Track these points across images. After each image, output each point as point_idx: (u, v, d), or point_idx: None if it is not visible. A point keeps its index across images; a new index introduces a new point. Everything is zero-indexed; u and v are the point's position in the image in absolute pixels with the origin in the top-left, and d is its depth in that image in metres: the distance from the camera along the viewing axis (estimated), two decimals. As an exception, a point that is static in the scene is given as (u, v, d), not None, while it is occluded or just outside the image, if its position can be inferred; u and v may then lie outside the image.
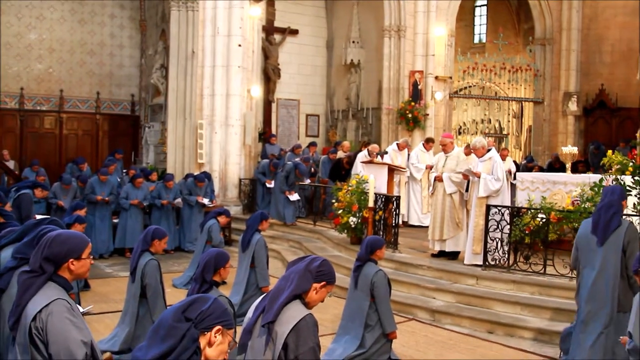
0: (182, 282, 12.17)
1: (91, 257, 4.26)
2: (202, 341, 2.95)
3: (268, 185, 17.31)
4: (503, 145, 23.56)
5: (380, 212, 12.59)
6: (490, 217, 10.65)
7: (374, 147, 15.34)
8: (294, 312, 3.92)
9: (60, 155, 24.89)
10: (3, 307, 5.01)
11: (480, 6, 28.98)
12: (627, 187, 10.01)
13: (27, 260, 4.81)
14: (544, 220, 10.59)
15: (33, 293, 4.00)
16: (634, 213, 9.90)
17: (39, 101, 24.75)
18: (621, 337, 5.10)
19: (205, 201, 16.21)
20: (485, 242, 10.77)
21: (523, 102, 24.58)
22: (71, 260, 4.09)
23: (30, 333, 3.89)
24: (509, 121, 25.39)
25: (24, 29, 24.21)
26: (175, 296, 10.16)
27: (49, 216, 6.84)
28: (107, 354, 7.10)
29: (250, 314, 4.15)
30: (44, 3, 24.50)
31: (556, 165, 19.66)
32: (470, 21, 29.07)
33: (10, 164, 20.65)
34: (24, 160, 23.34)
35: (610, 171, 10.75)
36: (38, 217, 7.26)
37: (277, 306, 3.92)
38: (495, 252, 10.74)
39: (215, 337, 2.98)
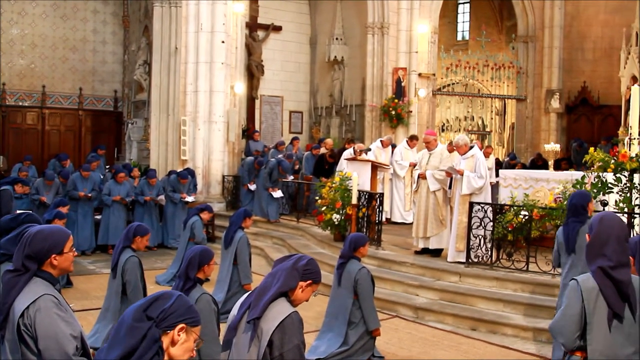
0: (166, 279, 12.14)
1: (73, 249, 4.23)
2: (165, 340, 2.86)
3: (250, 186, 17.25)
4: (486, 142, 23.64)
5: (364, 209, 12.60)
6: (473, 215, 10.67)
7: (359, 146, 15.37)
8: (280, 309, 3.92)
9: (42, 151, 24.75)
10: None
11: (463, 3, 29.11)
12: (609, 185, 10.08)
13: (10, 256, 4.80)
14: (526, 217, 10.63)
15: (19, 290, 3.98)
16: (616, 211, 9.95)
17: (21, 97, 24.61)
18: None
19: (190, 198, 16.15)
20: (469, 239, 10.80)
21: (506, 100, 24.68)
22: (53, 255, 4.07)
23: (19, 330, 3.88)
24: (492, 118, 25.48)
25: (6, 24, 24.03)
26: (159, 293, 10.10)
27: (31, 212, 6.80)
28: (90, 351, 7.07)
29: (235, 311, 4.14)
30: (25, -2, 24.37)
31: (539, 162, 19.74)
32: (454, 18, 29.17)
33: (-1, 160, 20.57)
34: (6, 156, 23.20)
35: (592, 168, 10.79)
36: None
37: (263, 303, 3.92)
38: (478, 249, 10.77)
39: (179, 335, 2.88)
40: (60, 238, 4.14)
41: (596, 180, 10.28)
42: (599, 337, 4.26)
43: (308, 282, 4.11)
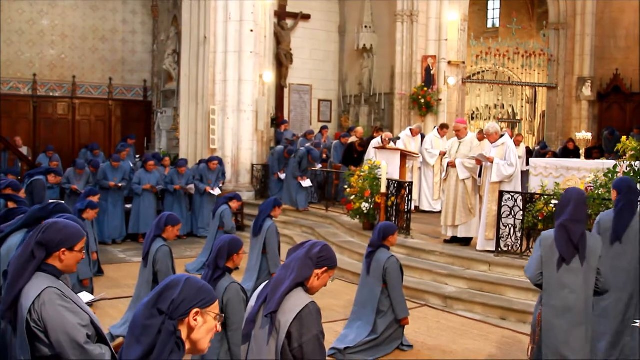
0: (195, 267, 12.22)
1: (83, 252, 4.26)
2: (183, 329, 2.84)
3: (281, 175, 17.26)
4: (516, 131, 23.46)
5: (393, 198, 12.58)
6: (503, 203, 10.62)
7: (387, 135, 15.31)
8: (297, 301, 3.88)
9: (73, 141, 24.98)
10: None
11: (493, -10, 28.85)
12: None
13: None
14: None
15: (25, 281, 4.02)
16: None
17: (52, 87, 24.82)
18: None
19: (215, 192, 16.15)
20: (498, 228, 10.74)
21: (536, 88, 24.44)
22: (63, 249, 4.11)
23: (28, 327, 3.93)
24: (522, 106, 25.29)
25: (37, 15, 24.24)
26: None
27: (62, 201, 6.88)
28: (120, 339, 7.13)
29: (252, 302, 4.12)
30: (56, -11, 24.55)
31: (570, 147, 19.46)
32: (484, 5, 28.95)
33: (24, 150, 20.73)
34: (38, 146, 23.45)
35: (624, 157, 10.66)
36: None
37: (279, 295, 3.88)
38: (508, 238, 10.72)
39: (195, 320, 2.86)
40: (75, 234, 4.19)
41: (628, 169, 10.17)
42: (550, 275, 5.71)
43: (323, 269, 4.05)
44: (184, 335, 2.86)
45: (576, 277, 5.63)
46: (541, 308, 5.77)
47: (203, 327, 2.90)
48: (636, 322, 5.24)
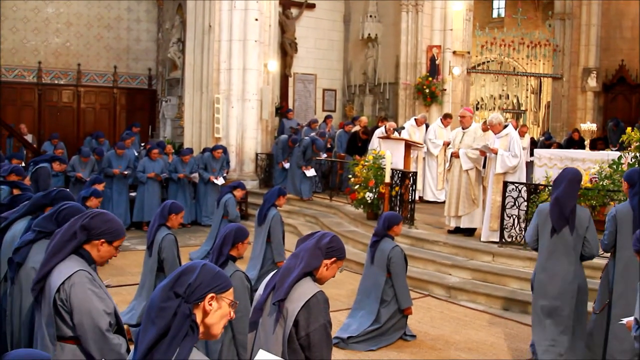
0: (199, 255, 12.22)
1: (119, 250, 4.36)
2: (198, 313, 2.88)
3: (285, 164, 17.27)
4: (521, 121, 23.42)
5: (397, 188, 12.58)
6: (507, 194, 10.60)
7: (391, 124, 15.29)
8: (305, 290, 3.90)
9: (78, 129, 25.00)
10: (21, 281, 5.04)
11: (499, -20, 28.75)
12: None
13: (46, 233, 4.87)
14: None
15: (59, 260, 4.10)
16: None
17: (57, 75, 24.81)
18: (626, 321, 5.07)
19: (218, 181, 16.13)
20: (502, 219, 10.74)
21: (542, 78, 24.39)
22: (103, 240, 4.20)
23: (55, 305, 4.00)
24: (527, 97, 25.26)
25: (42, 2, 24.21)
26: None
27: (65, 188, 6.91)
28: (125, 327, 7.17)
29: (260, 291, 4.14)
30: (61, -24, 24.51)
31: (575, 137, 19.43)
32: (489, -5, 28.85)
33: (29, 138, 20.74)
34: (42, 133, 23.47)
35: (629, 149, 10.65)
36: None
37: (288, 284, 3.91)
38: (512, 229, 10.71)
39: (210, 305, 2.90)
40: (118, 231, 4.29)
41: (633, 160, 10.16)
42: (543, 242, 6.80)
43: (332, 259, 4.08)
44: (198, 319, 2.89)
45: (566, 244, 6.64)
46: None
47: (217, 312, 2.94)
48: (622, 320, 5.21)
